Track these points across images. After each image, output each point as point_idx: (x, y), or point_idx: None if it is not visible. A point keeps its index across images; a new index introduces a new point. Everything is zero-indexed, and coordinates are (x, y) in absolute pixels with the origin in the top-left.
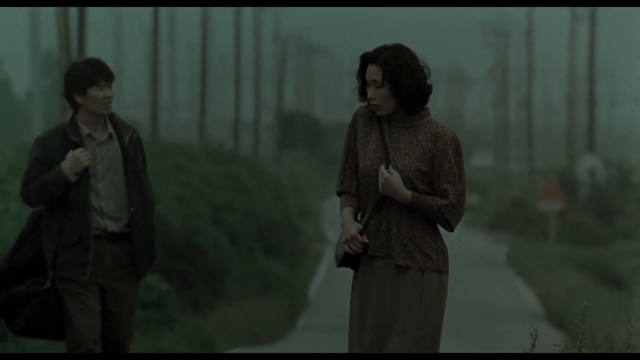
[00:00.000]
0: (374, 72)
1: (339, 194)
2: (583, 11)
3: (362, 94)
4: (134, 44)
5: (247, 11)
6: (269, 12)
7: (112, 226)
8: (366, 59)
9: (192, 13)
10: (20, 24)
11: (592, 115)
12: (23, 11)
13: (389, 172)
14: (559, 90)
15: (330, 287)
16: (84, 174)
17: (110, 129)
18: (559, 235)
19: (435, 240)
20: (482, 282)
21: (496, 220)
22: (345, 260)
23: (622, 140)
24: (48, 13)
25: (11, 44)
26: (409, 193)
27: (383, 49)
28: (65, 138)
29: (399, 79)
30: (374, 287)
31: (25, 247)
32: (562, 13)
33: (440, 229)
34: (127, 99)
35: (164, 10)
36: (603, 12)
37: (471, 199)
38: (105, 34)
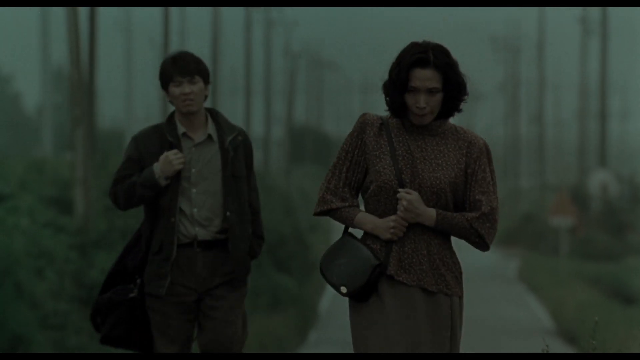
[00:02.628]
0: (429, 77)
1: (334, 209)
2: (594, 25)
3: (397, 108)
4: (144, 58)
5: (258, 26)
6: (279, 26)
7: (202, 234)
8: (412, 63)
9: (202, 27)
10: (31, 40)
11: (604, 130)
12: (34, 26)
13: (406, 192)
14: (570, 104)
15: (341, 302)
16: (175, 177)
17: (211, 129)
18: (570, 250)
19: (458, 261)
20: (493, 297)
21: (507, 235)
22: (370, 285)
23: (634, 155)
24: (59, 28)
25: (22, 60)
26: (433, 212)
27: (426, 48)
28: (161, 137)
29: (454, 82)
30: (398, 316)
31: (134, 252)
32: (574, 27)
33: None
34: (138, 113)
35: (174, 25)
36: (615, 26)
37: None
38: (116, 48)
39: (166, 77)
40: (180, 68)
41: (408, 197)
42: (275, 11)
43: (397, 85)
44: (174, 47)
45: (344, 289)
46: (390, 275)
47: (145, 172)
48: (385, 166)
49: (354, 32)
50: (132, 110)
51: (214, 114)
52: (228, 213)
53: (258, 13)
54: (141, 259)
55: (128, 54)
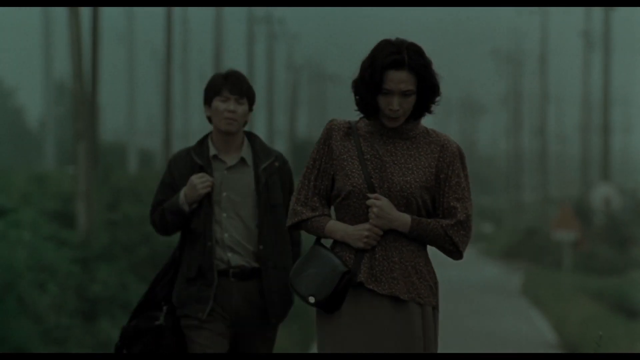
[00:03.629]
0: (403, 79)
1: (305, 220)
2: (597, 38)
3: (369, 109)
4: (146, 72)
5: (260, 39)
6: (282, 39)
7: (235, 259)
8: (386, 65)
9: (204, 40)
10: (33, 53)
11: (607, 143)
12: (36, 40)
13: (375, 197)
14: (573, 118)
15: None
16: (206, 201)
17: (246, 153)
18: (573, 264)
19: (433, 270)
20: (496, 311)
21: (510, 249)
22: (328, 301)
23: (637, 168)
24: (60, 41)
25: (24, 73)
26: (407, 217)
27: (400, 49)
28: (192, 159)
29: (428, 84)
30: (364, 326)
31: (165, 280)
32: (576, 40)
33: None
34: (141, 126)
35: (176, 38)
36: (617, 39)
37: (485, 227)
38: (118, 62)
39: (214, 91)
40: (231, 84)
41: (378, 203)
42: (277, 24)
43: (370, 86)
44: (176, 60)
45: (312, 299)
46: (360, 283)
47: (173, 198)
48: (353, 170)
49: (357, 45)
50: (134, 122)
51: (251, 137)
52: (261, 247)
53: (260, 26)
54: (170, 287)
55: (130, 66)
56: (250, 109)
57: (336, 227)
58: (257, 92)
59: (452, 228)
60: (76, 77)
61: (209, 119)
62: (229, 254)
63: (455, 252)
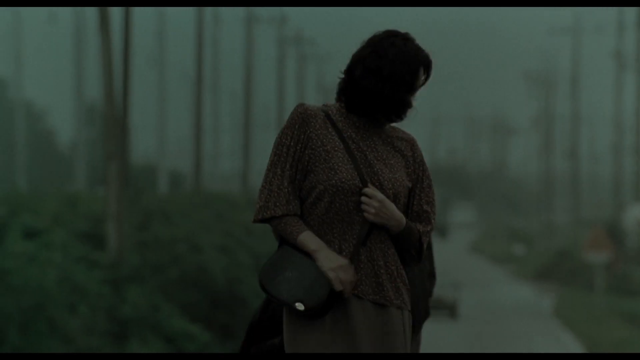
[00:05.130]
0: (420, 74)
1: (278, 217)
2: (629, 59)
3: (400, 108)
4: (177, 93)
5: (291, 61)
6: (312, 61)
7: None
8: (425, 62)
9: (235, 63)
10: (64, 76)
11: (639, 165)
12: (67, 63)
13: (374, 190)
14: (604, 139)
15: None
16: None
17: None
18: (606, 286)
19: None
20: (528, 333)
21: (542, 271)
22: (320, 307)
23: None
24: (92, 64)
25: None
26: (403, 218)
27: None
28: None
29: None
30: (347, 335)
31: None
32: (608, 61)
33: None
34: (170, 148)
35: (207, 61)
36: None
37: (517, 249)
38: (149, 83)
39: None
40: None
41: (380, 196)
42: (307, 45)
43: (400, 85)
44: (207, 81)
45: (300, 306)
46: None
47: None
48: (340, 163)
49: None
50: (164, 144)
51: None
52: None
53: (290, 47)
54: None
55: (161, 87)
56: None
57: (312, 240)
58: (286, 114)
59: (425, 235)
60: (107, 99)
61: None
62: None
63: (416, 257)
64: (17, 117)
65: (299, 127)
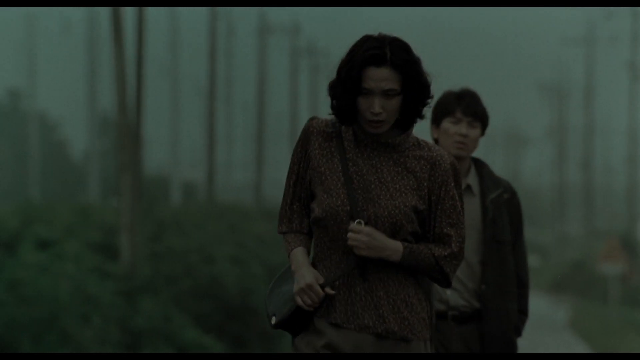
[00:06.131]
0: (385, 77)
1: (284, 233)
2: None
3: (346, 114)
4: (190, 104)
5: (304, 71)
6: (325, 71)
7: (455, 298)
8: (365, 60)
9: (248, 74)
10: (77, 86)
11: None
12: (80, 74)
13: (358, 225)
14: (619, 150)
15: None
16: None
17: (472, 180)
18: (620, 297)
19: (424, 298)
20: (543, 345)
21: (556, 282)
22: (291, 318)
23: None
24: (105, 75)
25: (68, 107)
26: (399, 245)
27: (382, 43)
28: None
29: (415, 83)
30: None
31: None
32: (622, 72)
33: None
34: (184, 159)
35: (220, 71)
36: None
37: (531, 260)
38: (163, 94)
39: (445, 111)
40: (465, 106)
41: (366, 230)
42: (320, 56)
43: (347, 86)
44: (220, 93)
45: (273, 319)
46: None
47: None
48: (334, 187)
49: None
50: (177, 155)
51: (479, 164)
52: (484, 287)
53: (303, 58)
54: None
55: (174, 99)
56: (483, 133)
57: (298, 258)
58: (299, 124)
59: (445, 259)
60: (121, 110)
61: (436, 141)
62: (448, 292)
63: (443, 281)
64: (30, 128)
65: (302, 144)
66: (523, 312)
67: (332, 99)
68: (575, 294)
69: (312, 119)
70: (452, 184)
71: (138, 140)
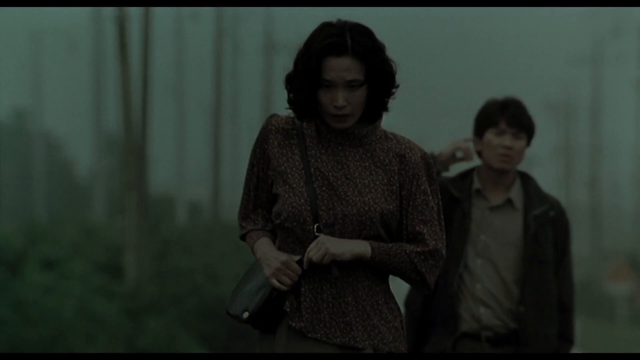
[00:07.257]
0: (346, 66)
1: (245, 235)
2: None
3: (305, 109)
4: (196, 123)
5: None
6: None
7: (488, 316)
8: (324, 49)
9: (254, 92)
10: (83, 106)
11: None
12: (85, 93)
13: (317, 231)
14: (626, 169)
15: None
16: (461, 240)
17: (515, 194)
18: (628, 318)
19: (397, 306)
20: None
21: None
22: (264, 308)
23: None
24: (111, 94)
25: (74, 126)
26: (367, 246)
27: (342, 30)
28: (448, 192)
29: (380, 72)
30: None
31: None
32: (629, 90)
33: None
34: (189, 177)
35: (226, 90)
36: None
37: None
38: (168, 113)
39: (489, 121)
40: (510, 116)
41: (322, 238)
42: None
43: (304, 78)
44: (226, 111)
45: (245, 314)
46: (300, 332)
47: None
48: (296, 186)
49: (406, 83)
50: (183, 174)
51: (525, 178)
52: (522, 308)
53: None
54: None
55: (180, 117)
56: (528, 144)
57: (261, 247)
58: None
59: (418, 256)
60: (126, 129)
61: (479, 153)
62: (482, 309)
63: (420, 283)
64: (36, 146)
65: (260, 144)
66: (566, 339)
67: (288, 93)
68: (582, 314)
69: (271, 116)
70: (424, 178)
71: (143, 159)
